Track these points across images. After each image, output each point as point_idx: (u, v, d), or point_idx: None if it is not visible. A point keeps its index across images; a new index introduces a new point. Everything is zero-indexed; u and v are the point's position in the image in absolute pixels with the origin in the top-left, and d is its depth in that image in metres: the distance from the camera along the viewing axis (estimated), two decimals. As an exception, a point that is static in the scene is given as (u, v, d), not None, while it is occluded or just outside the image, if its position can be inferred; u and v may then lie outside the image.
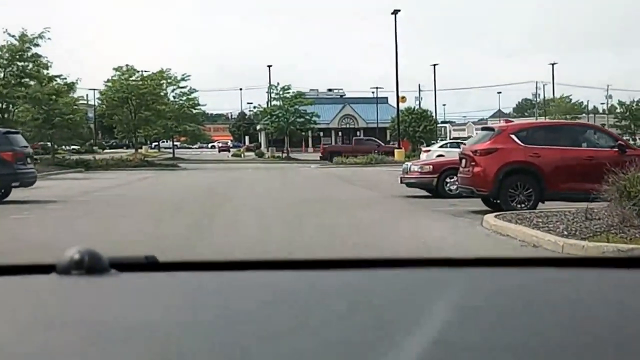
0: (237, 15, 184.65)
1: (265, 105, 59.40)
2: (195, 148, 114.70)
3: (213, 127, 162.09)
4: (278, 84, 57.50)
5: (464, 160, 14.32)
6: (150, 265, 1.45)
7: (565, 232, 9.28)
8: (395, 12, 43.58)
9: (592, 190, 10.44)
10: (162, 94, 42.93)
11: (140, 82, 40.99)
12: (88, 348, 0.98)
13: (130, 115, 41.52)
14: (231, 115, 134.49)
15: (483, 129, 18.03)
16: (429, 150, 40.52)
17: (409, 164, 18.08)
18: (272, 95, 57.76)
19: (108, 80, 41.69)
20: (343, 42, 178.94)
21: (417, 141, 52.00)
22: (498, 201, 13.37)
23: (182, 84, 55.60)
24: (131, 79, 41.43)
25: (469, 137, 55.43)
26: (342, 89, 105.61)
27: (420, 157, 41.04)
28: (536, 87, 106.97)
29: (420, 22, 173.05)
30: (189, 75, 55.21)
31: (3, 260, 1.51)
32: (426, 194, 17.23)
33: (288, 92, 56.74)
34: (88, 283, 1.31)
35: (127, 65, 41.67)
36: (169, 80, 54.07)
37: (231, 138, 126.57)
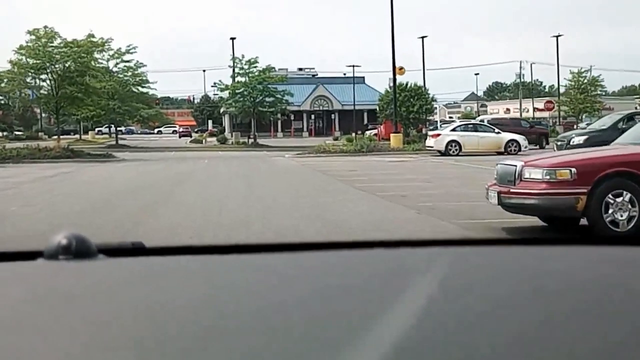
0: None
1: (228, 84, 49.44)
2: (154, 134, 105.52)
3: (177, 112, 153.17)
4: (243, 56, 47.86)
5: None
6: (137, 250, 1.45)
7: None
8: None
9: None
10: (93, 65, 33.23)
11: (63, 49, 31.43)
12: (76, 331, 0.98)
13: (50, 91, 31.89)
14: (193, 99, 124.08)
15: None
16: (438, 135, 31.64)
17: (519, 164, 8.58)
18: (237, 70, 48.14)
19: (20, 48, 31.89)
20: (313, 19, 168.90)
21: (410, 123, 43.05)
22: None
23: (127, 57, 46.05)
24: (52, 44, 31.83)
25: (487, 119, 46.62)
26: (314, 68, 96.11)
27: (428, 142, 32.20)
28: (520, 67, 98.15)
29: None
30: (134, 47, 45.60)
31: None
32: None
33: (255, 67, 47.22)
34: (76, 267, 1.29)
35: (45, 27, 32.03)
36: (109, 52, 44.37)
37: (194, 123, 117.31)
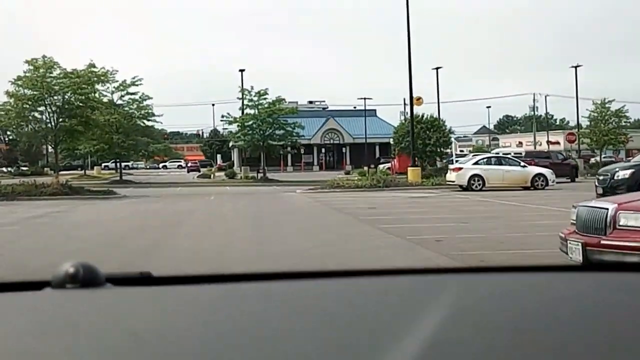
0: (203, 24, 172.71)
1: (237, 116, 47.49)
2: (159, 169, 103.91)
3: (187, 146, 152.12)
4: (252, 88, 45.97)
5: None
6: (145, 279, 1.42)
7: None
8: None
9: None
10: (94, 96, 31.25)
11: (62, 80, 29.60)
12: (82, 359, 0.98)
13: (48, 124, 29.98)
14: (202, 133, 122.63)
15: None
16: (460, 168, 29.56)
17: (611, 206, 6.24)
18: (246, 102, 46.29)
19: (18, 78, 29.99)
20: (324, 53, 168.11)
21: (427, 157, 40.97)
22: None
23: (132, 89, 44.24)
24: (51, 75, 29.99)
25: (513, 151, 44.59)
26: (324, 101, 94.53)
27: (449, 176, 30.14)
28: (533, 99, 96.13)
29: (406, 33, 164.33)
30: (140, 79, 43.67)
31: None
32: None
33: (265, 99, 45.31)
34: (83, 296, 1.29)
35: (44, 57, 30.13)
36: (114, 84, 42.66)
37: (203, 157, 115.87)
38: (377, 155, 78.21)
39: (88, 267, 1.31)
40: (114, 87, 43.81)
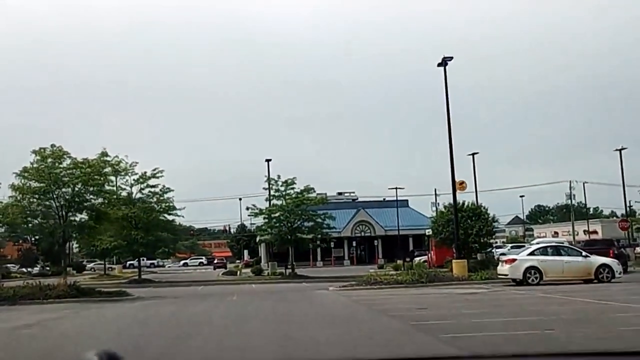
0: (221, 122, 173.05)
1: (263, 207, 44.56)
2: (181, 266, 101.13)
3: (214, 242, 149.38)
4: (279, 177, 43.33)
5: None
6: None
7: None
8: (445, 61, 30.28)
9: None
10: (106, 188, 28.66)
11: (71, 171, 27.15)
12: None
13: (57, 220, 27.34)
14: (229, 228, 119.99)
15: None
16: (513, 260, 26.15)
17: None
18: (272, 193, 43.55)
19: (24, 170, 27.60)
20: (351, 145, 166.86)
21: (470, 247, 37.51)
22: None
23: (153, 181, 41.80)
24: (60, 166, 27.57)
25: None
26: (354, 192, 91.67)
27: (501, 268, 26.73)
28: (570, 187, 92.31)
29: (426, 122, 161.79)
30: (161, 171, 41.27)
31: None
32: None
33: (292, 188, 42.58)
34: None
35: (53, 146, 27.79)
36: (133, 176, 40.30)
37: (230, 253, 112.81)
38: (411, 247, 74.58)
39: (111, 355, 1.30)
40: (133, 180, 41.52)
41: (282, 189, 42.79)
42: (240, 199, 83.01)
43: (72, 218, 28.07)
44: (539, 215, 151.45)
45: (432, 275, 28.50)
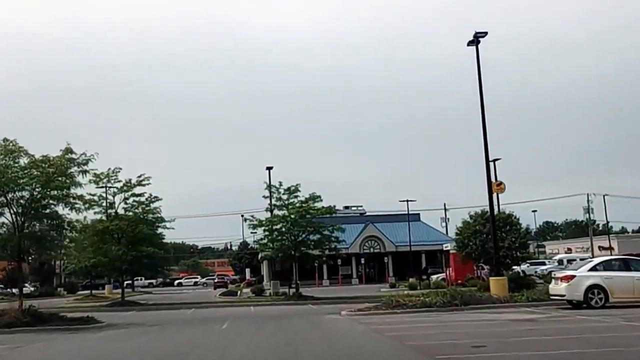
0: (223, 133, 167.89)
1: (263, 218, 39.26)
2: (174, 286, 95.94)
3: (218, 261, 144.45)
4: (280, 184, 38.19)
5: None
6: None
7: None
8: (477, 39, 25.40)
9: None
10: (72, 192, 23.59)
11: (29, 171, 22.22)
12: None
13: (10, 230, 22.34)
14: (230, 245, 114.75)
15: None
16: (571, 277, 21.02)
17: None
18: (274, 202, 38.43)
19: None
20: (359, 160, 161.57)
21: (502, 263, 32.33)
22: None
23: (138, 189, 36.78)
24: (14, 165, 22.63)
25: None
26: (362, 206, 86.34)
27: (554, 287, 21.66)
28: (587, 200, 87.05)
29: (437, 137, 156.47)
30: (148, 177, 36.25)
31: None
32: None
33: (296, 196, 37.46)
34: None
35: (5, 140, 22.81)
36: (116, 184, 35.49)
37: (232, 272, 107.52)
38: (424, 264, 69.34)
39: None
40: (116, 188, 36.63)
41: (285, 197, 37.69)
42: (242, 215, 77.79)
43: (29, 228, 23.05)
44: (548, 231, 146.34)
45: (467, 296, 23.33)
